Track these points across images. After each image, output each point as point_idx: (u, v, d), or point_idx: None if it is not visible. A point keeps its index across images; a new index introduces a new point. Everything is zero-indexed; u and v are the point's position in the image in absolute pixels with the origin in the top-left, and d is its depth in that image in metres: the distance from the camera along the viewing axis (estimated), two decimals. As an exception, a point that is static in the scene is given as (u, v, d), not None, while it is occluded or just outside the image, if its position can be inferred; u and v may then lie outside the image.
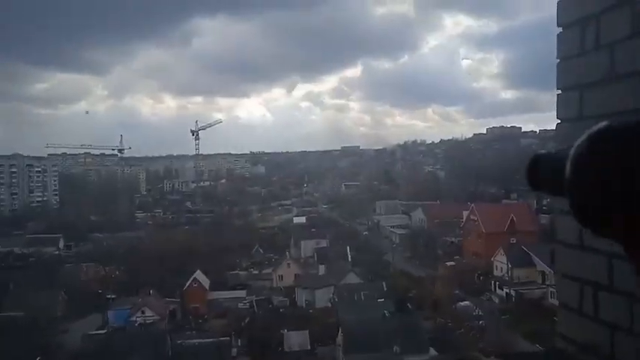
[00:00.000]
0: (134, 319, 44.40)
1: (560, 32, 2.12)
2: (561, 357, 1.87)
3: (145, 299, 46.97)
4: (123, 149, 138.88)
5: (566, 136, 2.05)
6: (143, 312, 45.06)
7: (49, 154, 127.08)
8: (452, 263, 56.68)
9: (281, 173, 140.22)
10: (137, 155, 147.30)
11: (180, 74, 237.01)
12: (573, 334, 1.92)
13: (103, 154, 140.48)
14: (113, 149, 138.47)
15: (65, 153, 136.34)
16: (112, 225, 76.46)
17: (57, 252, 67.04)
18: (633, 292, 1.68)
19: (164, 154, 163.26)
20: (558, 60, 2.12)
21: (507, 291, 48.07)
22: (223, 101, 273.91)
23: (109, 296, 49.77)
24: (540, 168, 0.77)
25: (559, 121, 2.12)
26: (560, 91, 2.10)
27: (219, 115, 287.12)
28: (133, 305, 46.49)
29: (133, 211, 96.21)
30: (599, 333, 1.82)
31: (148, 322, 43.95)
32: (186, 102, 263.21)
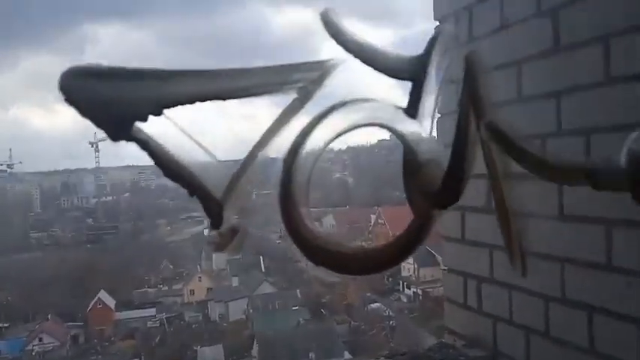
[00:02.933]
0: (31, 347, 41.07)
1: (438, 25, 2.15)
2: (448, 351, 1.86)
3: (42, 325, 43.60)
4: (12, 164, 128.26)
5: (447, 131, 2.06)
6: (41, 339, 41.78)
7: None
8: (363, 266, 58.02)
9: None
10: (30, 170, 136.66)
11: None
12: (459, 328, 1.93)
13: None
14: (1, 164, 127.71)
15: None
16: (2, 247, 70.27)
17: (-63, 281, 60.44)
18: (511, 282, 1.70)
19: (60, 169, 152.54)
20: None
21: (415, 290, 50.06)
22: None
23: (0, 325, 45.62)
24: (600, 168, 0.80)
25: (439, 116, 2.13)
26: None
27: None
28: (29, 333, 43.00)
29: (27, 230, 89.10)
30: (483, 325, 1.83)
31: (47, 349, 40.84)
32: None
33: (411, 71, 1.21)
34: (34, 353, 40.49)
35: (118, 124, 0.81)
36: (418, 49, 1.23)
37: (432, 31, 2.19)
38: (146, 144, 0.83)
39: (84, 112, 0.79)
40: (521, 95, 1.69)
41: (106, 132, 0.82)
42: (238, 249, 0.97)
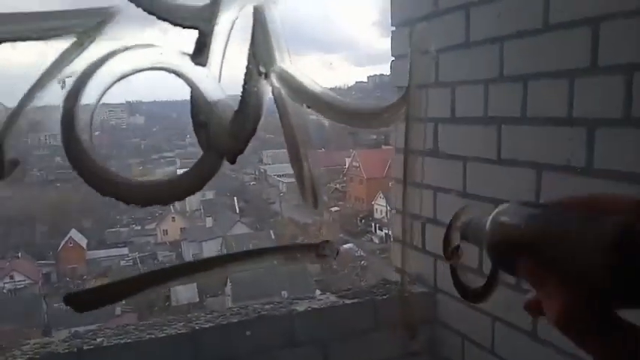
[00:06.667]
0: (2, 284, 41.06)
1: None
2: (392, 287, 1.95)
3: (13, 263, 43.41)
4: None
5: (401, 73, 2.06)
6: (12, 277, 41.68)
7: None
8: (336, 208, 58.50)
9: (162, 124, 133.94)
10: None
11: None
12: (405, 266, 2.02)
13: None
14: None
15: None
16: (-31, 185, 68.69)
17: None
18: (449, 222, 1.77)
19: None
20: (393, -4, 2.10)
21: (386, 232, 51.09)
22: (92, 46, 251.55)
23: (-30, 263, 45.28)
24: (469, 228, 0.78)
25: (393, 59, 2.11)
26: (394, 28, 2.08)
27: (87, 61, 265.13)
28: (-1, 270, 42.89)
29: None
30: (426, 263, 1.92)
31: (18, 287, 40.90)
32: (47, 46, 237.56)
33: (197, 20, 1.26)
34: (5, 290, 40.42)
35: None
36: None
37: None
38: None
39: None
40: (468, 41, 1.70)
41: None
42: (20, 177, 1.14)
